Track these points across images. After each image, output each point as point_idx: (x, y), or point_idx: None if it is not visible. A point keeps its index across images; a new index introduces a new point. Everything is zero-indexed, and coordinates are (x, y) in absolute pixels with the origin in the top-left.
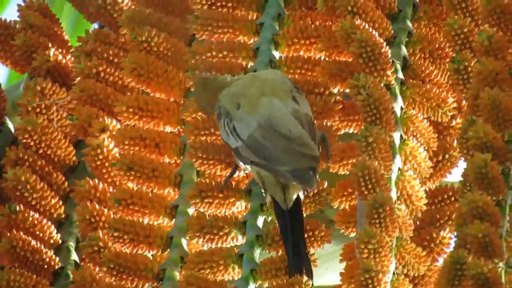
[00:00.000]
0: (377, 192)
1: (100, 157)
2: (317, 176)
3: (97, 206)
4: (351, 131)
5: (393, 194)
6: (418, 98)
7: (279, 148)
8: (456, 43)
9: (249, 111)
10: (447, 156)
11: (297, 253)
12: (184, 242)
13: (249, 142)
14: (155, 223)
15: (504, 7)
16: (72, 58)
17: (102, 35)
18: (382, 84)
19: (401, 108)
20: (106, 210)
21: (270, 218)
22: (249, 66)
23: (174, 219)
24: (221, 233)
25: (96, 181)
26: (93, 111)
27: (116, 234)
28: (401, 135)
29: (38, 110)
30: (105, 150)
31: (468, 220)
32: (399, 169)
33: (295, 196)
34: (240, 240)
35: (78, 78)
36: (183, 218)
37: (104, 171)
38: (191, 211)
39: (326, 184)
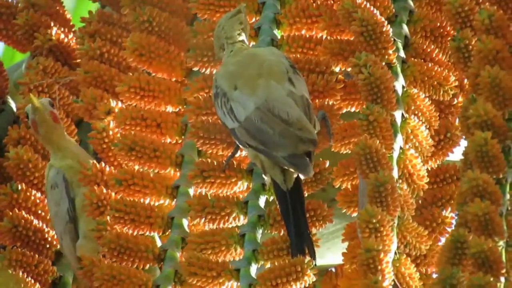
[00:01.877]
0: (378, 171)
1: (106, 140)
2: (312, 161)
3: (104, 190)
4: (352, 110)
5: (395, 173)
6: (420, 76)
7: (277, 132)
8: (457, 21)
9: (247, 92)
10: (448, 135)
11: (299, 234)
12: (185, 222)
13: (246, 124)
14: (156, 203)
15: None
16: (74, 37)
17: (105, 16)
18: (383, 63)
19: (403, 87)
20: (113, 194)
21: (272, 198)
22: (250, 45)
23: (175, 200)
24: (222, 213)
25: (103, 164)
26: (98, 93)
27: (117, 214)
28: (402, 114)
29: (40, 89)
30: (110, 133)
31: (469, 199)
32: (400, 147)
33: (295, 176)
34: (242, 220)
35: (82, 60)
36: (184, 199)
37: (110, 154)
38: (192, 191)
39: (328, 163)
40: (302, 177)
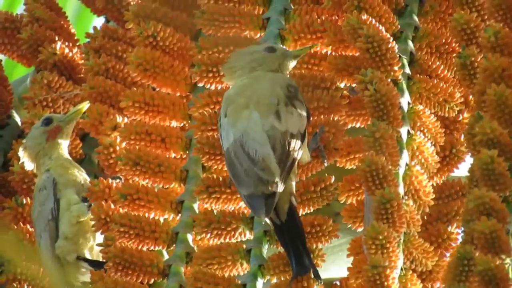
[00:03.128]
0: (384, 187)
1: (113, 155)
2: (273, 203)
3: (112, 206)
4: (357, 125)
5: (401, 190)
6: (425, 93)
7: (243, 169)
8: (463, 38)
9: (231, 122)
10: (454, 151)
11: (299, 263)
12: (189, 237)
13: (226, 154)
14: (161, 218)
15: (510, 2)
16: (78, 52)
17: (110, 31)
18: (389, 79)
19: (408, 103)
20: (121, 209)
21: None
22: None
23: (179, 215)
24: (228, 229)
25: (110, 180)
26: (103, 109)
27: (122, 229)
28: (408, 130)
29: (44, 103)
30: (117, 148)
31: (475, 216)
32: (406, 164)
33: (287, 206)
34: (248, 235)
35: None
36: (189, 214)
37: (117, 169)
38: (196, 206)
39: (333, 179)
40: (295, 203)
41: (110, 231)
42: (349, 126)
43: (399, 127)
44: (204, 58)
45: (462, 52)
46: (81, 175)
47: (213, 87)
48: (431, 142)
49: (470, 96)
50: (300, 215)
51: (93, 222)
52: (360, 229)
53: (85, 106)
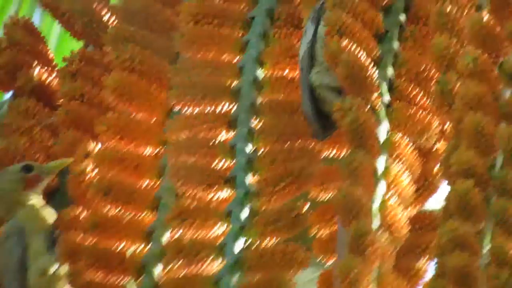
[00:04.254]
0: (359, 220)
1: (84, 183)
2: None
3: (81, 235)
4: (333, 153)
5: (376, 222)
6: (404, 121)
7: None
8: (441, 64)
9: None
10: (427, 182)
11: None
12: (159, 267)
13: None
14: (131, 248)
15: (489, 28)
16: (57, 77)
17: (87, 55)
18: (367, 107)
19: (386, 132)
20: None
21: (250, 240)
22: (233, 85)
23: (150, 244)
24: (199, 257)
25: (80, 209)
26: (77, 135)
27: (89, 260)
28: (385, 161)
29: (21, 130)
30: (89, 176)
31: (448, 249)
32: (382, 196)
33: None
34: (219, 264)
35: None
36: (159, 243)
37: (87, 198)
38: (168, 235)
39: (306, 207)
40: None
41: (78, 262)
42: (324, 154)
43: (376, 157)
44: (181, 81)
45: (441, 78)
46: (52, 217)
47: (189, 110)
48: (408, 173)
49: (447, 125)
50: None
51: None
52: (330, 262)
53: (69, 161)
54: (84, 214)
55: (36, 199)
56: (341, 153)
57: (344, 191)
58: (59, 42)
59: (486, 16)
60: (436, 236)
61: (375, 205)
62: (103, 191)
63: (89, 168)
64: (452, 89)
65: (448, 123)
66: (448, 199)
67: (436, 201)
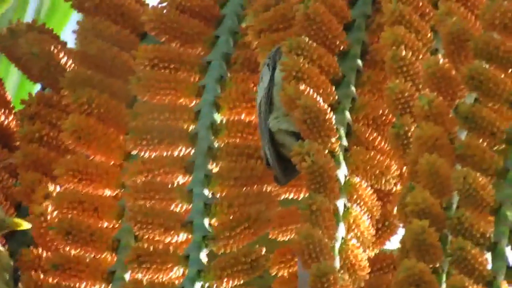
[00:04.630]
0: (320, 261)
1: (44, 224)
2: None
3: (41, 276)
4: (290, 196)
5: (337, 263)
6: (362, 165)
7: None
8: (397, 107)
9: None
10: (387, 223)
11: None
12: None
13: None
14: None
15: (444, 71)
16: (15, 119)
17: (45, 98)
18: (326, 151)
19: (345, 176)
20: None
21: (207, 285)
22: (190, 129)
23: (110, 285)
24: None
25: (40, 250)
26: (36, 177)
27: None
28: (344, 203)
29: None
30: (48, 217)
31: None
32: (342, 237)
33: None
34: None
35: (21, 143)
36: (120, 284)
37: (48, 239)
38: (128, 276)
39: (264, 250)
40: None
41: None
42: (282, 197)
43: (336, 199)
44: (138, 125)
45: (396, 121)
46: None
47: (147, 154)
48: (368, 215)
49: (404, 168)
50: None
51: None
52: None
53: (24, 225)
54: (45, 254)
55: None
56: (299, 196)
57: (305, 233)
58: (19, 85)
59: (441, 59)
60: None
61: (336, 246)
62: (63, 232)
63: (49, 210)
64: (407, 131)
65: (404, 165)
66: (404, 238)
67: (396, 242)
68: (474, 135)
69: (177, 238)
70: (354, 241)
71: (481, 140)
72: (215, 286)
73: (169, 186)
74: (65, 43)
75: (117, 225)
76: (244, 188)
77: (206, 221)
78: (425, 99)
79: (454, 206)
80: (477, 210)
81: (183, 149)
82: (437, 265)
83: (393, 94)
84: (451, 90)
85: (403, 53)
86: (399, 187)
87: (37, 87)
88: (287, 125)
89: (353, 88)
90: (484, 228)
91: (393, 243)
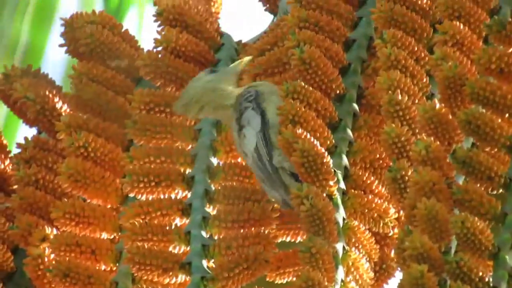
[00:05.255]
0: None
1: (41, 267)
2: None
3: None
4: (288, 239)
5: None
6: (360, 208)
7: None
8: (393, 151)
9: None
10: (384, 266)
11: None
12: None
13: None
14: None
15: (441, 116)
16: (10, 163)
17: (41, 142)
18: (324, 194)
19: (343, 219)
20: None
21: None
22: (187, 172)
23: None
24: None
25: None
26: (33, 220)
27: None
28: (343, 246)
29: None
30: (46, 259)
31: None
32: (342, 280)
33: None
34: None
35: (17, 186)
36: None
37: (45, 281)
38: None
39: None
40: None
41: None
42: (279, 240)
43: (335, 242)
44: (135, 168)
45: (393, 165)
46: None
47: (144, 197)
48: (366, 258)
49: (401, 212)
50: None
51: None
52: None
53: None
54: None
55: None
56: (296, 238)
57: (305, 276)
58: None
59: (437, 104)
60: None
61: None
62: (61, 275)
63: (46, 252)
64: (404, 176)
65: (401, 209)
66: (402, 283)
67: (393, 285)
68: (471, 180)
69: (176, 279)
70: (353, 283)
71: (478, 185)
72: None
73: (167, 228)
74: (60, 88)
75: (114, 268)
76: (242, 230)
77: (204, 263)
78: (422, 144)
79: (453, 250)
80: (475, 254)
81: (180, 192)
82: None
83: (389, 138)
84: (448, 135)
85: (399, 97)
86: (396, 230)
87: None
88: (288, 165)
89: (350, 132)
90: (483, 272)
91: (391, 286)
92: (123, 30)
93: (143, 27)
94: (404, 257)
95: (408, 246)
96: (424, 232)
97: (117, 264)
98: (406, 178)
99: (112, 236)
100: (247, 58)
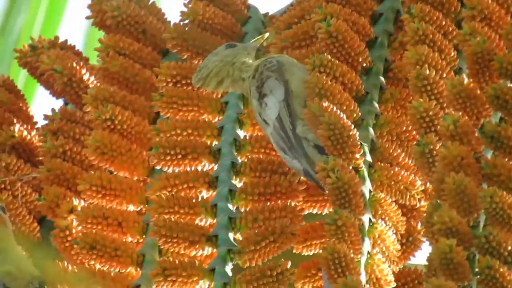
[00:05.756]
0: (346, 276)
1: (69, 238)
2: None
3: None
4: (315, 211)
5: (363, 278)
6: (386, 181)
7: None
8: (421, 126)
9: None
10: (411, 239)
11: None
12: None
13: None
14: None
15: (469, 91)
16: (37, 134)
17: (68, 114)
18: (350, 167)
19: (370, 191)
20: None
21: None
22: (213, 145)
23: None
24: None
25: (65, 263)
26: (60, 191)
27: None
28: (370, 218)
29: (2, 186)
30: (73, 231)
31: None
32: (368, 252)
33: None
34: None
35: (45, 158)
36: None
37: (73, 252)
38: None
39: (289, 264)
40: None
41: None
42: (306, 212)
43: (361, 215)
44: (162, 141)
45: (421, 140)
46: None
47: (170, 170)
48: (392, 231)
49: (428, 184)
50: None
51: None
52: None
53: None
54: (70, 268)
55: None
56: (323, 211)
57: (331, 248)
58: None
59: (465, 79)
60: None
61: (362, 261)
62: (88, 247)
63: (73, 224)
64: (432, 150)
65: (429, 183)
66: (431, 257)
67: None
68: (500, 154)
69: (202, 252)
70: (379, 256)
71: (507, 159)
72: None
73: (193, 200)
74: (87, 59)
75: (141, 240)
76: (268, 203)
77: (231, 235)
78: (450, 119)
79: (481, 224)
80: (504, 228)
81: (207, 164)
82: (465, 283)
83: (417, 113)
84: (476, 110)
85: (427, 72)
86: (423, 202)
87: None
88: (312, 137)
89: (376, 105)
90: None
91: (417, 258)
92: (149, 3)
93: None
94: (433, 232)
95: (437, 220)
96: (452, 207)
97: (144, 236)
98: (434, 152)
99: (138, 209)
100: (267, 34)
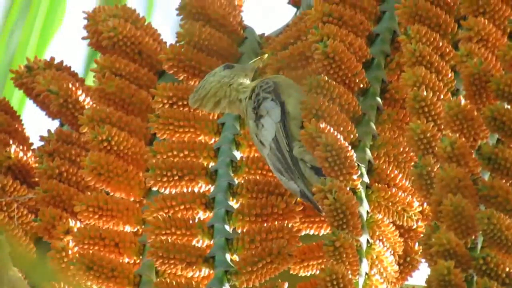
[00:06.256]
0: None
1: (66, 259)
2: None
3: None
4: (311, 232)
5: None
6: (384, 202)
7: None
8: (419, 147)
9: None
10: (408, 259)
11: None
12: None
13: None
14: None
15: (466, 113)
16: (33, 155)
17: (64, 135)
18: (348, 188)
19: (367, 212)
20: None
21: None
22: (210, 166)
23: None
24: None
25: (62, 284)
26: (56, 212)
27: None
28: (367, 239)
29: None
30: (70, 252)
31: None
32: (366, 273)
33: None
34: None
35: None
36: None
37: (70, 273)
38: None
39: (286, 285)
40: None
41: None
42: (303, 233)
43: (359, 236)
44: (158, 162)
45: (419, 161)
46: None
47: (167, 191)
48: (390, 252)
49: (425, 205)
50: None
51: None
52: None
53: None
54: None
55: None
56: (320, 232)
57: (329, 269)
58: None
59: (463, 100)
60: None
61: (360, 282)
62: (85, 268)
63: (70, 245)
64: (430, 172)
65: (427, 204)
66: (429, 279)
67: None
68: (497, 176)
69: (199, 273)
70: (377, 277)
71: (504, 181)
72: None
73: (190, 222)
74: (83, 80)
75: (138, 261)
76: (265, 224)
77: (228, 256)
78: (448, 141)
79: (479, 246)
80: (502, 250)
81: (203, 185)
82: None
83: (415, 134)
84: (473, 131)
85: (424, 93)
86: (420, 223)
87: None
88: (309, 158)
89: (373, 126)
90: (509, 268)
91: (415, 279)
92: (145, 23)
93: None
94: (431, 254)
95: (435, 242)
96: (450, 229)
97: (141, 257)
98: (432, 174)
99: (135, 229)
100: (265, 56)
